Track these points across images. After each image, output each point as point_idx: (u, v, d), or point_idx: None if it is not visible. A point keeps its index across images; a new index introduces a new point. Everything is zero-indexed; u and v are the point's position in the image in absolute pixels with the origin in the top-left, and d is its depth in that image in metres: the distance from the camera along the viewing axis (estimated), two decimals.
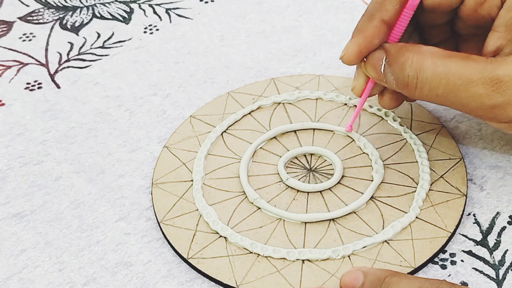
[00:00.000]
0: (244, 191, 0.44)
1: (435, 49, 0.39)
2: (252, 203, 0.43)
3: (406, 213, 0.42)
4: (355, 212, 0.42)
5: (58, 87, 0.55)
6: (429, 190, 0.43)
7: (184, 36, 0.59)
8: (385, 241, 0.40)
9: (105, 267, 0.41)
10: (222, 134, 0.48)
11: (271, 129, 0.48)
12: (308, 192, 0.44)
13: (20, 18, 0.63)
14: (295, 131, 0.48)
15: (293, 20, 0.59)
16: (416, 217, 0.42)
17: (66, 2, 0.64)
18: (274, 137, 0.47)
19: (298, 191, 0.44)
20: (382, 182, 0.44)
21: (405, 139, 0.46)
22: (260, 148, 0.47)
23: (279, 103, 0.50)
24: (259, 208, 0.43)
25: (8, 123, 0.52)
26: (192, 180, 0.45)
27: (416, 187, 0.43)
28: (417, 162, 0.45)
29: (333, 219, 0.42)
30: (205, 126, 0.49)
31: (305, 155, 0.46)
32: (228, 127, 0.49)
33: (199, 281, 0.40)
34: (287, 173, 0.45)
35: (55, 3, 0.64)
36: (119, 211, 0.45)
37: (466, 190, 0.43)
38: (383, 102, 0.44)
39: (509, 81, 0.37)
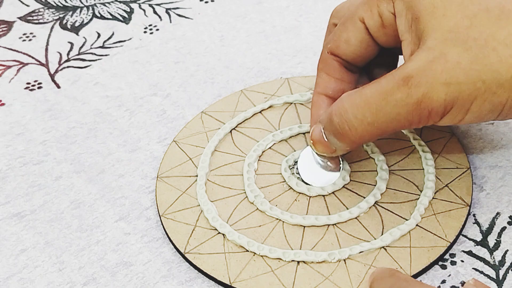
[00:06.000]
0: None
1: (350, 91, 0.40)
2: (252, 202, 0.43)
3: (407, 220, 0.41)
4: (356, 217, 0.42)
5: (58, 87, 0.55)
6: (433, 198, 0.42)
7: (184, 36, 0.59)
8: (383, 247, 0.40)
9: (105, 267, 0.41)
10: (231, 131, 0.48)
11: (280, 129, 0.48)
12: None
13: (20, 18, 0.63)
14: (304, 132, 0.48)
15: (293, 20, 0.59)
16: (417, 225, 0.41)
17: (66, 2, 0.64)
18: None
19: (300, 192, 0.44)
20: (386, 187, 0.43)
21: (414, 145, 0.46)
22: (268, 148, 0.47)
23: (291, 103, 0.50)
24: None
25: (8, 123, 0.52)
26: (196, 176, 0.45)
27: (419, 195, 0.43)
28: (423, 169, 0.44)
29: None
30: (215, 122, 0.49)
31: None
32: (238, 124, 0.49)
33: (199, 280, 0.40)
34: (292, 173, 0.45)
35: (55, 3, 0.64)
36: (119, 211, 0.45)
37: (470, 201, 0.42)
38: None
39: (418, 73, 0.36)
